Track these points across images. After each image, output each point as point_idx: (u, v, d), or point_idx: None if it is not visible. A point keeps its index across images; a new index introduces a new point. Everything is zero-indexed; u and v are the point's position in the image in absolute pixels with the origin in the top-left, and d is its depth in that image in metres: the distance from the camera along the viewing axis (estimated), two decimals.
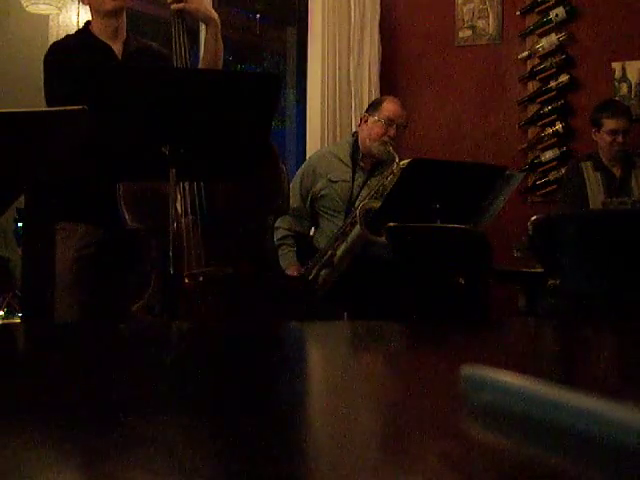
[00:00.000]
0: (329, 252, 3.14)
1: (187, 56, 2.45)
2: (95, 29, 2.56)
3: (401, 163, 3.08)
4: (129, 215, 2.31)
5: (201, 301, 2.20)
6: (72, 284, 2.44)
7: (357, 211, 3.08)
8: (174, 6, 2.46)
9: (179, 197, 2.31)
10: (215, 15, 2.56)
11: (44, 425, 0.37)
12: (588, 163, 3.72)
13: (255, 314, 2.24)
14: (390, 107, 3.39)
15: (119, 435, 0.34)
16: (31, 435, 0.34)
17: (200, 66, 2.62)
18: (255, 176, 2.22)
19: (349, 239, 3.09)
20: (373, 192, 3.17)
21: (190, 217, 2.33)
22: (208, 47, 2.55)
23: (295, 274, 3.26)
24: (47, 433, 0.35)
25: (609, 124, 3.64)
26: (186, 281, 2.16)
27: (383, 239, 2.99)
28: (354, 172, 3.40)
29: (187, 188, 2.34)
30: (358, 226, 3.05)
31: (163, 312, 2.19)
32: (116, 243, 2.41)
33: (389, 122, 3.33)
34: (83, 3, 2.65)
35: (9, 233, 3.68)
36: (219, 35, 2.54)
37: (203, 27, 2.73)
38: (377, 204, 3.04)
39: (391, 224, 2.74)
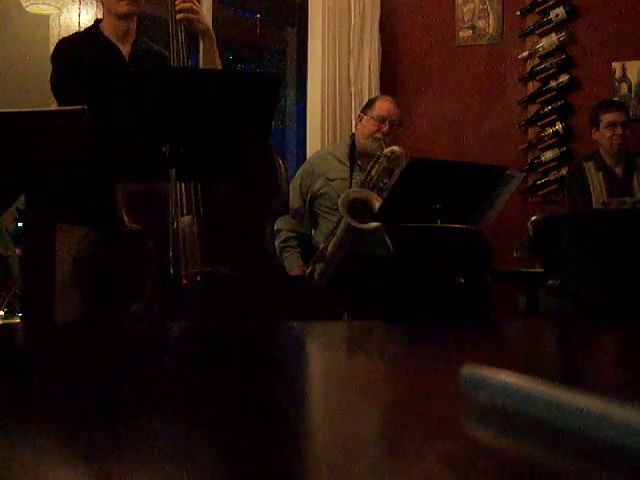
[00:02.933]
0: (321, 247, 3.16)
1: (185, 57, 2.45)
2: (105, 29, 2.56)
3: (385, 151, 3.12)
4: (127, 216, 2.30)
5: (199, 301, 2.20)
6: (71, 285, 2.44)
7: (339, 200, 3.10)
8: (180, 15, 2.45)
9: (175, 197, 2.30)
10: (210, 28, 2.58)
11: (44, 425, 0.37)
12: (590, 163, 3.72)
13: (254, 314, 2.24)
14: (382, 105, 3.44)
15: (120, 434, 0.34)
16: (31, 435, 0.34)
17: None
18: (253, 176, 2.22)
19: (338, 231, 3.12)
20: (360, 182, 3.20)
21: (187, 217, 2.33)
22: (207, 59, 2.56)
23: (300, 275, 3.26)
24: (47, 433, 0.35)
25: (607, 117, 3.68)
26: (184, 281, 2.16)
27: (369, 226, 3.00)
28: (352, 170, 3.43)
29: (184, 188, 2.34)
30: (344, 217, 3.07)
31: (162, 312, 2.18)
32: (114, 244, 2.40)
33: (381, 120, 3.38)
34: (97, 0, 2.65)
35: (3, 232, 3.68)
36: (215, 48, 2.55)
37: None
38: (359, 194, 3.08)
39: (392, 224, 2.74)
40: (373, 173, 3.13)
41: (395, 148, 3.18)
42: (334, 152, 3.55)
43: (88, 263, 2.45)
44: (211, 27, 2.59)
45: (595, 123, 3.75)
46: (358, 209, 3.06)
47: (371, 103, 3.54)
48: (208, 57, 2.56)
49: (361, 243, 3.12)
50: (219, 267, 2.27)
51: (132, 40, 2.58)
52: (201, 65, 2.65)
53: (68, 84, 2.38)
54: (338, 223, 3.16)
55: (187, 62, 2.46)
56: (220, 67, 2.61)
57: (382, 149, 3.19)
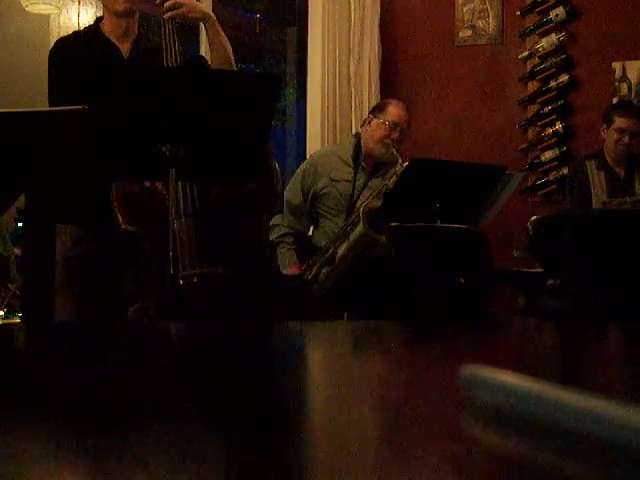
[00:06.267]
0: (330, 250, 3.13)
1: (178, 57, 2.43)
2: (105, 27, 2.55)
3: (405, 164, 3.09)
4: (123, 217, 2.30)
5: (196, 302, 2.19)
6: (63, 285, 2.43)
7: (360, 210, 3.08)
8: (167, 14, 2.44)
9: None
10: (209, 12, 2.54)
11: (44, 425, 0.37)
12: (592, 162, 3.71)
13: (253, 314, 2.24)
14: (395, 111, 3.41)
15: (119, 435, 0.34)
16: (31, 435, 0.34)
17: (212, 65, 2.58)
18: (250, 176, 2.22)
19: (351, 238, 3.09)
20: (376, 192, 3.17)
21: (183, 218, 2.32)
22: (214, 45, 2.52)
23: (295, 272, 3.25)
24: (47, 433, 0.35)
25: (619, 122, 3.65)
26: (180, 282, 2.15)
27: (385, 238, 2.99)
28: (356, 172, 3.41)
29: (180, 189, 2.33)
30: (361, 225, 3.05)
31: (159, 314, 2.18)
32: (111, 245, 2.39)
33: (393, 126, 3.36)
34: None
35: (3, 232, 3.68)
36: (220, 30, 2.50)
37: (202, 26, 2.70)
38: (380, 203, 3.05)
39: (392, 224, 2.74)
40: (390, 184, 3.10)
41: None
42: (338, 152, 3.52)
43: (77, 262, 2.44)
44: (210, 12, 2.54)
45: (607, 121, 3.72)
46: (375, 219, 3.04)
47: (383, 107, 3.48)
48: (215, 43, 2.50)
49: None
50: (215, 268, 2.27)
51: (132, 38, 2.55)
52: (210, 52, 2.60)
53: (62, 84, 2.37)
54: (347, 228, 3.14)
55: (178, 61, 2.43)
56: (230, 50, 2.54)
57: (398, 159, 3.16)
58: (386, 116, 3.39)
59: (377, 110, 3.49)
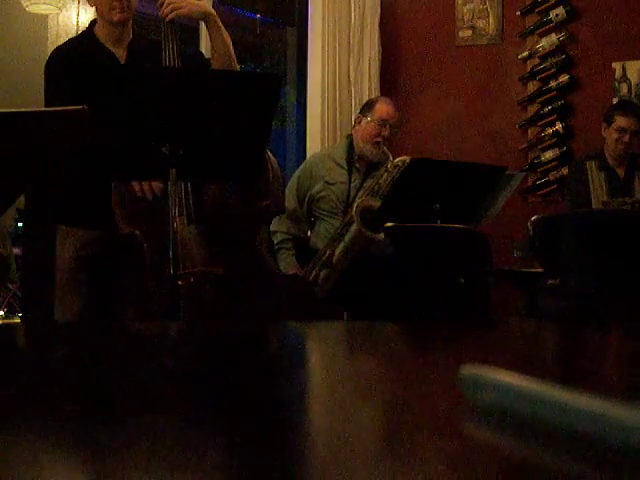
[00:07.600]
0: (327, 252, 3.14)
1: (177, 57, 2.43)
2: (99, 32, 2.53)
3: (395, 161, 3.09)
4: (123, 218, 2.30)
5: (195, 302, 2.19)
6: (69, 285, 2.43)
7: (353, 209, 3.09)
8: (170, 16, 2.43)
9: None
10: (210, 9, 2.52)
11: (44, 425, 0.37)
12: (592, 162, 3.72)
13: (253, 314, 2.24)
14: (383, 108, 3.40)
15: (120, 434, 0.34)
16: (30, 435, 0.34)
17: (213, 64, 2.57)
18: (248, 176, 2.22)
19: (347, 238, 3.09)
20: (368, 191, 3.17)
21: (181, 218, 2.32)
22: (215, 43, 2.50)
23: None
24: (47, 433, 0.35)
25: (619, 121, 3.66)
26: (179, 282, 2.16)
27: (380, 236, 2.99)
28: (350, 174, 3.41)
29: (179, 190, 2.33)
30: (355, 225, 3.05)
31: (159, 314, 2.18)
32: (112, 246, 2.39)
33: (382, 123, 3.35)
34: (89, 4, 2.59)
35: (3, 232, 3.68)
36: (222, 27, 2.49)
37: (203, 25, 2.69)
38: (373, 202, 3.05)
39: (391, 224, 2.74)
40: (382, 182, 3.10)
41: (406, 158, 3.15)
42: (332, 154, 3.52)
43: (85, 264, 2.44)
44: (211, 9, 2.53)
45: (608, 121, 3.73)
46: (369, 218, 3.04)
47: (370, 105, 3.48)
48: (217, 40, 2.48)
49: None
50: (213, 267, 2.27)
51: (127, 42, 2.54)
52: (211, 49, 2.59)
53: (60, 95, 2.35)
54: (342, 229, 3.14)
55: (177, 62, 2.42)
56: (231, 46, 2.52)
57: (389, 156, 3.16)
58: (374, 114, 3.38)
59: (365, 109, 3.48)
